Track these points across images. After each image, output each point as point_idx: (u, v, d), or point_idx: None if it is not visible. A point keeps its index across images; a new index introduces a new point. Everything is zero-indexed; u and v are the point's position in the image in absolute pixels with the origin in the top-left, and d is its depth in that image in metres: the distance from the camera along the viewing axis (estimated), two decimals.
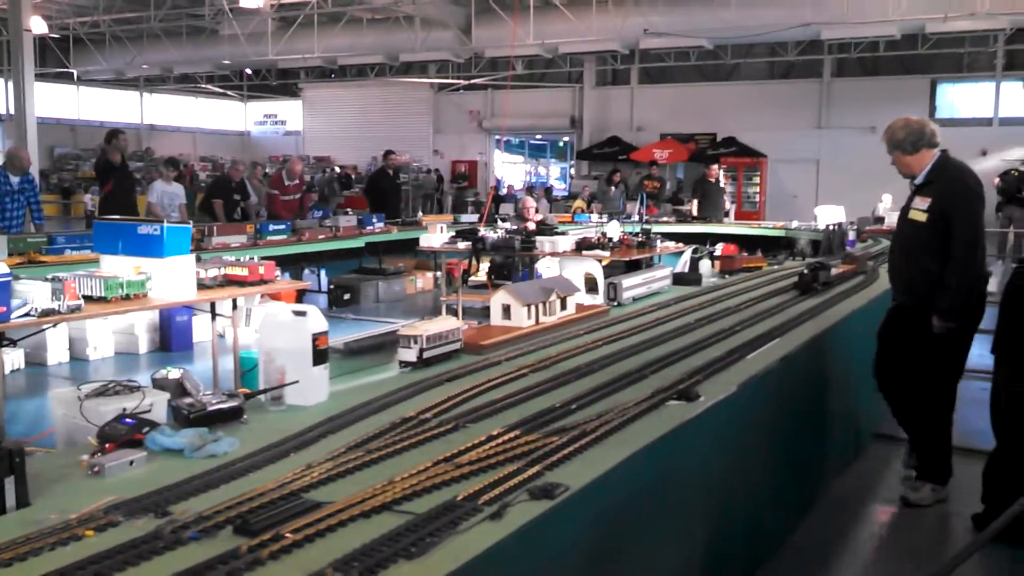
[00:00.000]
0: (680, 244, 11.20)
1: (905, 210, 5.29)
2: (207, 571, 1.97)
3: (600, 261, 7.67)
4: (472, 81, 29.92)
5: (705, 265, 8.80)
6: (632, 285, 6.25)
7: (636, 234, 10.64)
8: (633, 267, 9.03)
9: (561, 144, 33.24)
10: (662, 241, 10.91)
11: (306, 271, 11.39)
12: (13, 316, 5.14)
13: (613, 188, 19.47)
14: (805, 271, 6.63)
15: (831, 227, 10.86)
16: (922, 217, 5.07)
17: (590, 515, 2.67)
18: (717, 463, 3.70)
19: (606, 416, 3.25)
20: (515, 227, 10.67)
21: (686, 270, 7.58)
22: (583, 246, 9.84)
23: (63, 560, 2.02)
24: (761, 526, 4.35)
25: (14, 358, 7.58)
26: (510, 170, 32.98)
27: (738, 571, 4.05)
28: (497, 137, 31.37)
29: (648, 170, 19.98)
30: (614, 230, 10.42)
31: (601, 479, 2.70)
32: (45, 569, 1.96)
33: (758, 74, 27.54)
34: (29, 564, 2.02)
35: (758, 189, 24.79)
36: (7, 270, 5.22)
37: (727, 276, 7.95)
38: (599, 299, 6.03)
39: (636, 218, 14.38)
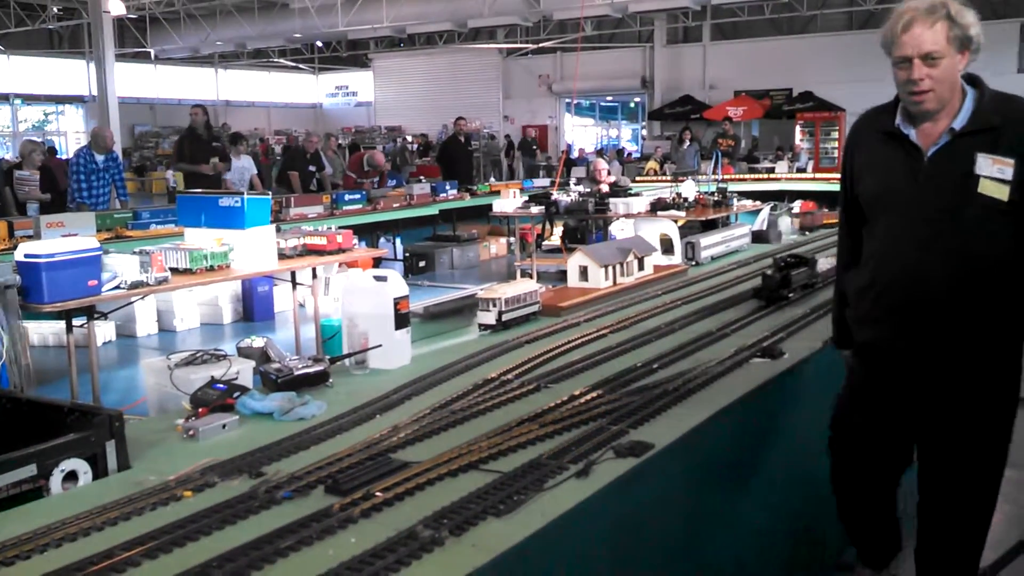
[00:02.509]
0: (757, 202, 10.99)
1: (931, 175, 2.80)
2: (301, 529, 2.01)
3: (675, 221, 7.58)
4: (541, 45, 29.68)
5: (784, 222, 8.63)
6: (710, 244, 6.16)
7: (712, 193, 10.46)
8: (710, 226, 8.88)
9: (632, 105, 32.82)
10: (739, 199, 10.71)
11: (382, 239, 11.51)
12: (104, 289, 5.31)
13: (686, 146, 19.16)
14: (770, 271, 4.52)
15: None
16: (1001, 192, 2.70)
17: (676, 473, 2.65)
18: (802, 423, 3.63)
19: (688, 374, 3.22)
20: (588, 190, 10.58)
21: (764, 228, 7.42)
22: (658, 207, 9.72)
23: (164, 519, 2.09)
24: None
25: (106, 331, 7.84)
26: (581, 133, 32.71)
27: (831, 541, 3.98)
28: (567, 100, 31.12)
29: (722, 128, 19.61)
30: (689, 189, 10.26)
31: (686, 437, 2.67)
32: (148, 528, 2.03)
33: (835, 25, 26.71)
34: (133, 523, 2.10)
35: (836, 144, 24.12)
36: (97, 244, 5.40)
37: (807, 233, 7.79)
38: (676, 259, 5.96)
39: (711, 176, 14.14)
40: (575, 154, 25.10)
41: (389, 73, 34.28)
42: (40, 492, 2.28)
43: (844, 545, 3.61)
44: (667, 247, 6.05)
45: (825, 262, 4.93)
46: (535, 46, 30.06)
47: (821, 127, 24.26)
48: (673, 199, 9.91)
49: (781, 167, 17.86)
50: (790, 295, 4.46)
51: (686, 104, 27.56)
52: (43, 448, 2.31)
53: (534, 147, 23.62)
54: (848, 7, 25.58)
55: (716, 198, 10.24)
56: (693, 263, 5.92)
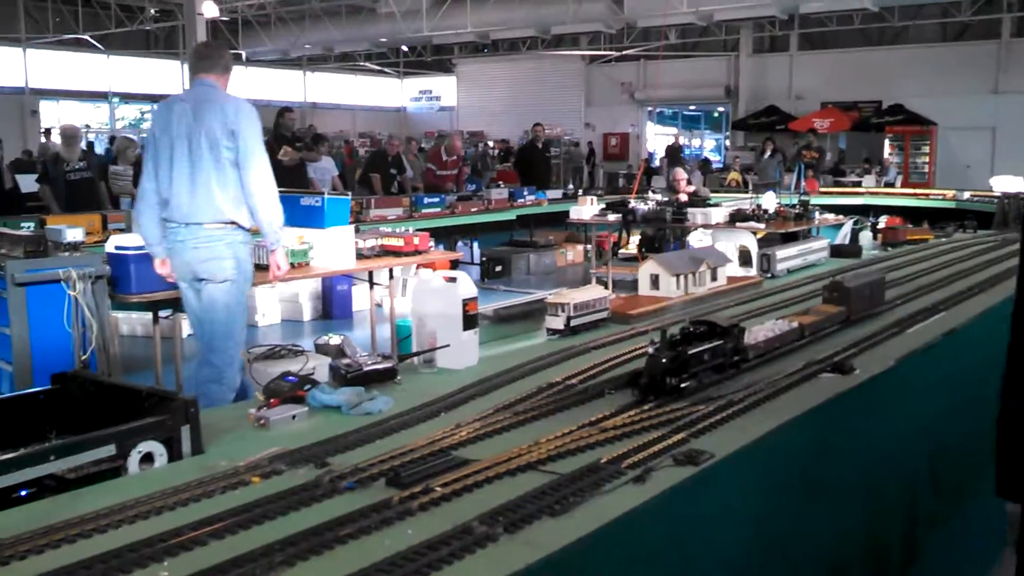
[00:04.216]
0: (840, 216, 10.79)
1: None
2: (361, 519, 2.07)
3: (754, 233, 7.50)
4: (624, 52, 29.59)
5: (866, 237, 8.45)
6: (787, 256, 6.09)
7: (793, 206, 10.31)
8: (790, 239, 8.76)
9: (716, 115, 32.47)
10: (821, 213, 10.53)
11: (459, 243, 11.63)
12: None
13: (767, 157, 18.89)
14: (655, 350, 3.05)
15: (1006, 197, 10.19)
16: None
17: (736, 485, 2.64)
18: (872, 441, 3.57)
19: (755, 386, 3.20)
20: (666, 199, 10.53)
21: (846, 242, 7.29)
22: (737, 218, 9.63)
23: (233, 502, 2.17)
24: (920, 512, 4.17)
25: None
26: (663, 142, 32.50)
27: (895, 559, 3.90)
28: (649, 108, 30.93)
29: (807, 140, 19.27)
30: (769, 201, 10.13)
31: (748, 448, 2.66)
32: (217, 510, 2.12)
33: (928, 36, 26.00)
34: (203, 505, 2.19)
35: (927, 159, 23.49)
36: None
37: (890, 249, 7.61)
38: (752, 272, 5.91)
39: (793, 189, 13.93)
40: (656, 163, 24.94)
41: (472, 78, 34.57)
42: (118, 471, 2.40)
43: (909, 564, 3.54)
44: (745, 259, 5.98)
45: (765, 328, 3.71)
46: (618, 53, 29.97)
47: (911, 141, 23.66)
48: (753, 211, 9.81)
49: (868, 181, 17.50)
50: (684, 386, 3.02)
51: (771, 115, 27.14)
52: (122, 430, 2.42)
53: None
54: (942, 18, 24.88)
55: (797, 211, 10.09)
56: (768, 275, 5.86)
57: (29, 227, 6.82)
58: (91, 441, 2.36)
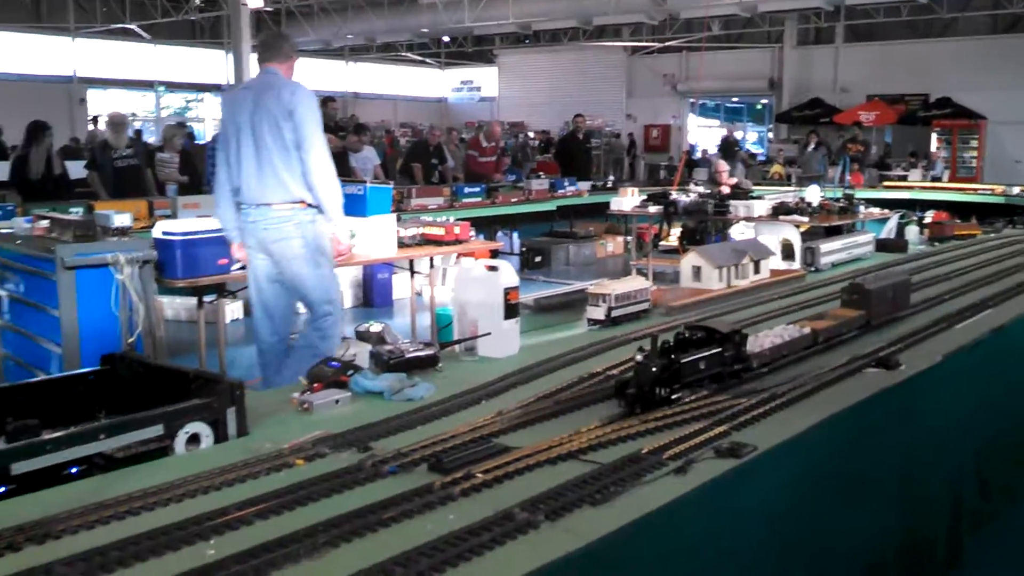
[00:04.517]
0: (886, 210, 10.63)
1: None
2: (404, 502, 2.09)
3: (798, 227, 7.42)
4: (666, 43, 29.36)
5: (912, 232, 8.32)
6: (831, 250, 6.02)
7: (837, 199, 10.17)
8: (833, 233, 8.64)
9: (759, 107, 32.12)
10: (866, 207, 10.38)
11: (499, 233, 11.64)
12: (233, 268, 5.57)
13: (811, 149, 18.65)
14: (642, 356, 2.80)
15: None
16: None
17: (778, 478, 2.62)
18: (916, 438, 3.53)
19: (798, 380, 3.17)
20: (708, 191, 10.44)
21: (892, 236, 7.18)
22: (780, 211, 9.52)
23: (277, 484, 2.20)
24: (964, 511, 4.11)
25: (233, 309, 8.19)
26: (704, 134, 32.22)
27: (938, 558, 3.85)
28: (691, 100, 30.67)
29: (852, 133, 18.99)
30: (813, 195, 10.00)
31: (791, 442, 2.64)
32: (262, 491, 2.15)
33: (978, 28, 25.47)
34: (248, 485, 2.23)
35: (976, 154, 23.02)
36: None
37: (936, 244, 7.49)
38: (795, 265, 5.85)
39: (837, 183, 13.75)
40: (697, 155, 24.75)
41: (513, 69, 34.50)
42: (166, 451, 2.44)
43: (953, 564, 3.49)
44: (787, 252, 5.93)
45: (773, 334, 3.47)
46: (660, 45, 29.73)
47: (959, 135, 23.22)
48: (796, 204, 9.69)
49: (914, 175, 17.21)
50: (674, 397, 2.83)
51: (815, 107, 26.77)
52: (170, 410, 2.46)
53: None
54: (992, 10, 24.36)
55: (842, 204, 9.95)
56: (812, 269, 5.79)
57: (78, 212, 6.93)
58: (139, 421, 2.40)
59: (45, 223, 5.51)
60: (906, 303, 4.35)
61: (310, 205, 4.79)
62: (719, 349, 3.02)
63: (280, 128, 4.67)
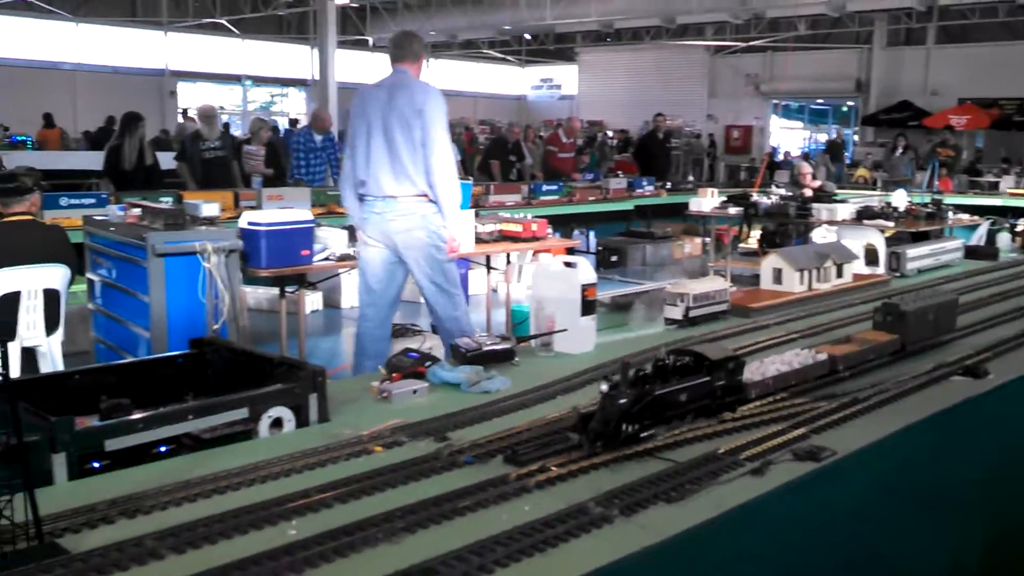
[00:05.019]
0: (976, 217, 10.31)
1: None
2: (479, 492, 2.11)
3: (882, 232, 7.26)
4: (750, 43, 28.92)
5: (1004, 239, 8.06)
6: (917, 255, 5.86)
7: (925, 204, 9.90)
8: (920, 239, 8.42)
9: (844, 109, 31.41)
10: (955, 212, 10.08)
11: (576, 231, 11.62)
12: (315, 259, 5.69)
13: (899, 154, 18.18)
14: (608, 387, 2.43)
15: None
16: None
17: (858, 483, 2.58)
18: (1003, 449, 3.42)
19: (881, 386, 3.11)
20: (790, 193, 10.27)
21: (982, 243, 6.97)
22: (864, 215, 9.31)
23: (356, 469, 2.25)
24: None
25: (314, 300, 8.35)
26: (787, 136, 31.65)
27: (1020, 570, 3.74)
28: (775, 102, 30.16)
29: (941, 137, 18.45)
30: (900, 199, 9.76)
31: (872, 448, 2.59)
32: (342, 475, 2.20)
33: None
34: (328, 469, 2.28)
35: None
36: (312, 217, 5.78)
37: None
38: (880, 271, 5.72)
39: (925, 187, 13.38)
40: (780, 157, 24.34)
41: (594, 67, 34.38)
42: (250, 434, 2.51)
43: None
44: (871, 258, 5.79)
45: (780, 361, 3.07)
46: (744, 44, 29.31)
47: None
48: (882, 208, 9.47)
49: (1007, 182, 16.63)
50: (645, 434, 2.44)
51: (904, 110, 26.07)
52: (255, 394, 2.53)
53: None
54: None
55: (929, 210, 9.68)
56: (897, 275, 5.66)
57: (167, 202, 7.15)
58: (226, 404, 2.48)
59: (137, 211, 5.70)
60: (950, 326, 3.84)
61: (432, 200, 5.00)
62: (707, 378, 2.64)
63: (410, 126, 4.91)
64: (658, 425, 2.48)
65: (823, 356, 3.16)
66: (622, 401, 2.37)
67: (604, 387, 2.40)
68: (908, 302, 3.62)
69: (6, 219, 5.34)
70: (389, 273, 5.15)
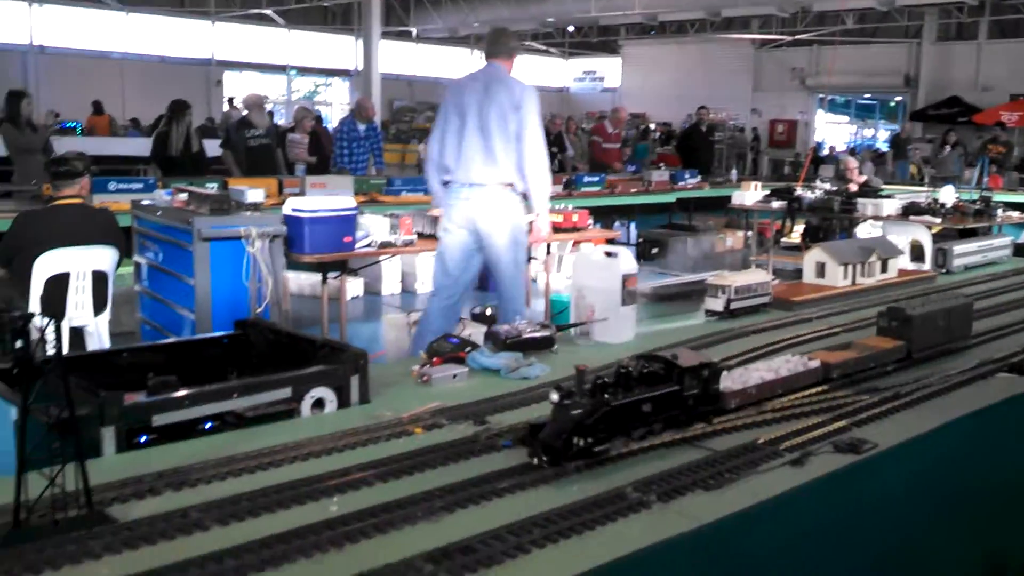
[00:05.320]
0: None
1: None
2: (517, 475, 2.13)
3: (929, 228, 7.15)
4: (796, 37, 28.57)
5: None
6: (964, 252, 5.78)
7: (973, 201, 9.73)
8: (968, 235, 8.28)
9: (892, 104, 30.94)
10: (1004, 210, 9.89)
11: (616, 223, 11.58)
12: (357, 245, 5.74)
13: (948, 151, 17.87)
14: (560, 395, 2.25)
15: None
16: None
17: (899, 477, 2.56)
18: None
19: (924, 381, 3.07)
20: (835, 188, 10.15)
21: None
22: (911, 211, 9.17)
23: (396, 450, 2.28)
24: None
25: (355, 286, 8.43)
26: (832, 131, 31.25)
27: None
28: (820, 96, 29.78)
29: (992, 134, 18.10)
30: (948, 195, 9.60)
31: (914, 442, 2.57)
32: (382, 455, 2.23)
33: None
34: (369, 449, 2.31)
35: None
36: (355, 205, 5.83)
37: None
38: (926, 267, 5.65)
39: (975, 184, 13.14)
40: (824, 152, 24.03)
41: (637, 60, 34.20)
42: (292, 413, 2.55)
43: None
44: (917, 254, 5.72)
45: (765, 368, 2.86)
46: (790, 38, 28.96)
47: None
48: (929, 204, 9.32)
49: None
50: (599, 448, 2.24)
51: (953, 106, 25.62)
52: (298, 375, 2.57)
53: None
54: None
55: (978, 207, 9.51)
56: (943, 271, 5.58)
57: (213, 188, 7.24)
58: (270, 383, 2.52)
59: (184, 196, 5.78)
60: (964, 332, 3.61)
61: (516, 190, 5.18)
62: (676, 387, 2.41)
63: (506, 119, 5.11)
64: (616, 438, 2.27)
65: (815, 363, 2.97)
66: (575, 412, 2.19)
67: (555, 396, 2.22)
68: (915, 306, 3.40)
69: (57, 202, 5.46)
70: (467, 258, 5.31)
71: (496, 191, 5.17)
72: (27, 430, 1.78)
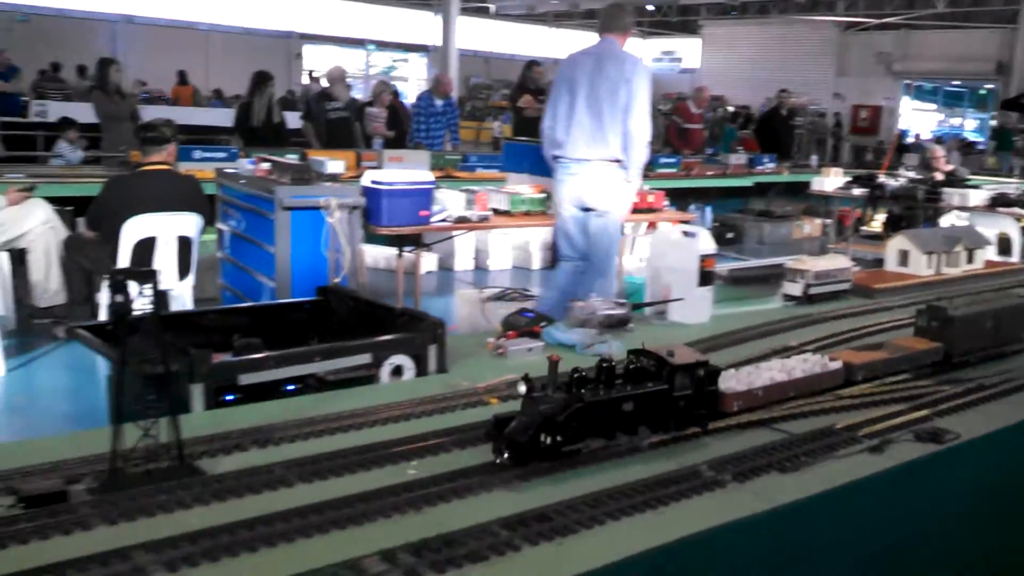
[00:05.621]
0: None
1: None
2: (600, 450, 2.14)
3: (1018, 220, 6.94)
4: (884, 20, 27.78)
5: None
6: None
7: None
8: None
9: (982, 92, 29.92)
10: None
11: (692, 206, 11.47)
12: (433, 219, 5.79)
13: None
14: (536, 396, 2.09)
15: None
16: None
17: (981, 469, 2.51)
18: None
19: (1011, 373, 2.99)
20: (920, 176, 9.88)
21: None
22: (999, 203, 8.89)
23: (472, 418, 2.32)
24: None
25: (429, 261, 8.50)
26: (918, 118, 30.38)
27: None
28: (907, 82, 28.94)
29: None
30: None
31: (999, 434, 2.51)
32: (459, 423, 2.28)
33: None
34: (446, 416, 2.36)
35: None
36: (433, 179, 5.88)
37: None
38: (1014, 259, 5.48)
39: None
40: (909, 139, 23.39)
41: (717, 41, 33.63)
42: (371, 379, 2.61)
43: None
44: (1004, 246, 5.55)
45: (778, 368, 2.62)
46: (877, 21, 28.17)
47: None
48: (1019, 196, 9.02)
49: None
50: (568, 448, 2.07)
51: None
52: (378, 341, 2.63)
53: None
54: None
55: None
56: None
57: (293, 159, 7.37)
58: (351, 349, 2.58)
59: (266, 165, 5.89)
60: (1016, 335, 3.28)
61: (623, 165, 5.24)
62: (665, 386, 2.20)
63: (616, 94, 5.17)
64: (591, 438, 2.10)
65: (836, 364, 2.74)
66: (544, 407, 2.02)
67: (522, 388, 2.05)
68: (958, 306, 3.12)
69: (145, 167, 5.62)
70: (581, 231, 5.39)
71: (601, 167, 5.22)
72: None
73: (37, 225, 5.92)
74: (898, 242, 4.69)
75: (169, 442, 1.90)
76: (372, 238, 5.94)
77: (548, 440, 2.01)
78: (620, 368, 2.17)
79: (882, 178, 9.65)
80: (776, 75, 28.14)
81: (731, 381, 2.43)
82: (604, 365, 2.13)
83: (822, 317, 3.73)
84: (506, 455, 2.00)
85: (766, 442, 2.27)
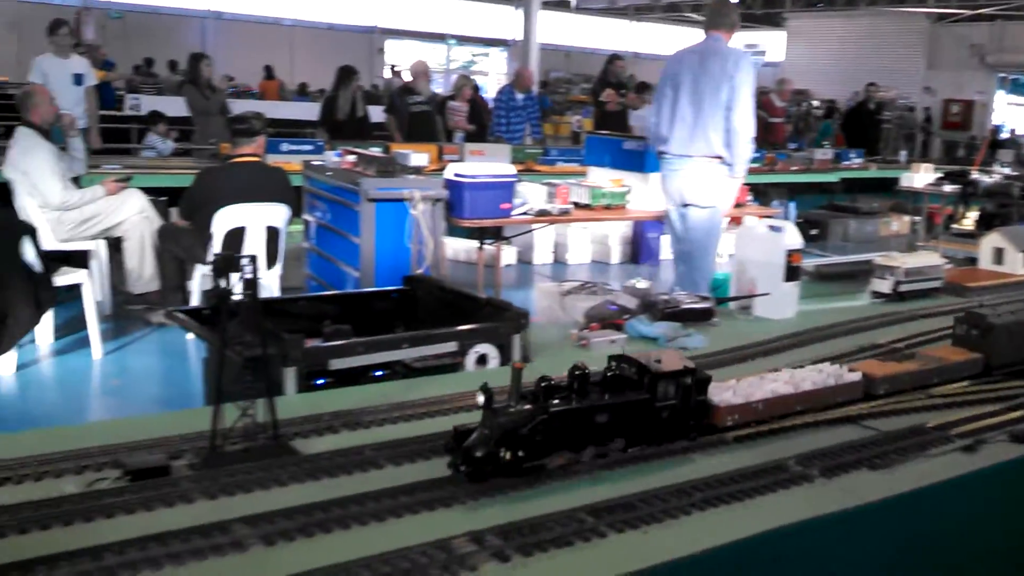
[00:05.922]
0: None
1: None
2: (673, 443, 2.14)
3: None
4: (978, 11, 26.87)
5: None
6: None
7: None
8: None
9: None
10: None
11: (775, 202, 11.29)
12: (514, 212, 5.84)
13: None
14: (483, 399, 1.95)
15: None
16: None
17: None
18: None
19: None
20: (1015, 173, 9.56)
21: None
22: None
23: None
24: None
25: (508, 254, 8.55)
26: (1013, 113, 29.30)
27: None
28: (1002, 75, 27.93)
29: None
30: None
31: None
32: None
33: None
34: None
35: None
36: (515, 171, 5.92)
37: None
38: None
39: None
40: (1004, 135, 22.59)
41: (802, 34, 32.97)
42: (456, 367, 2.65)
43: None
44: None
45: (786, 379, 2.41)
46: (971, 12, 27.26)
47: None
48: None
49: None
50: (529, 464, 1.88)
51: None
52: (464, 330, 2.67)
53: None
54: None
55: None
56: None
57: (377, 151, 7.49)
58: (438, 336, 2.62)
59: (352, 158, 6.01)
60: None
61: (725, 162, 5.29)
62: (646, 396, 2.03)
63: (719, 90, 5.21)
64: (558, 452, 1.92)
65: (854, 376, 2.50)
66: (503, 419, 1.85)
67: (481, 398, 1.88)
68: (1002, 313, 2.88)
69: (235, 159, 5.79)
70: (683, 225, 5.51)
71: (702, 163, 5.28)
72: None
73: (133, 214, 6.15)
74: (993, 239, 4.55)
75: (265, 422, 1.97)
76: (453, 230, 6.01)
77: (507, 455, 1.84)
78: (598, 376, 2.01)
79: (975, 175, 9.35)
80: (863, 68, 27.48)
81: (726, 393, 2.25)
82: (577, 373, 1.96)
83: (912, 315, 3.64)
84: (462, 469, 1.84)
85: (854, 439, 2.24)
